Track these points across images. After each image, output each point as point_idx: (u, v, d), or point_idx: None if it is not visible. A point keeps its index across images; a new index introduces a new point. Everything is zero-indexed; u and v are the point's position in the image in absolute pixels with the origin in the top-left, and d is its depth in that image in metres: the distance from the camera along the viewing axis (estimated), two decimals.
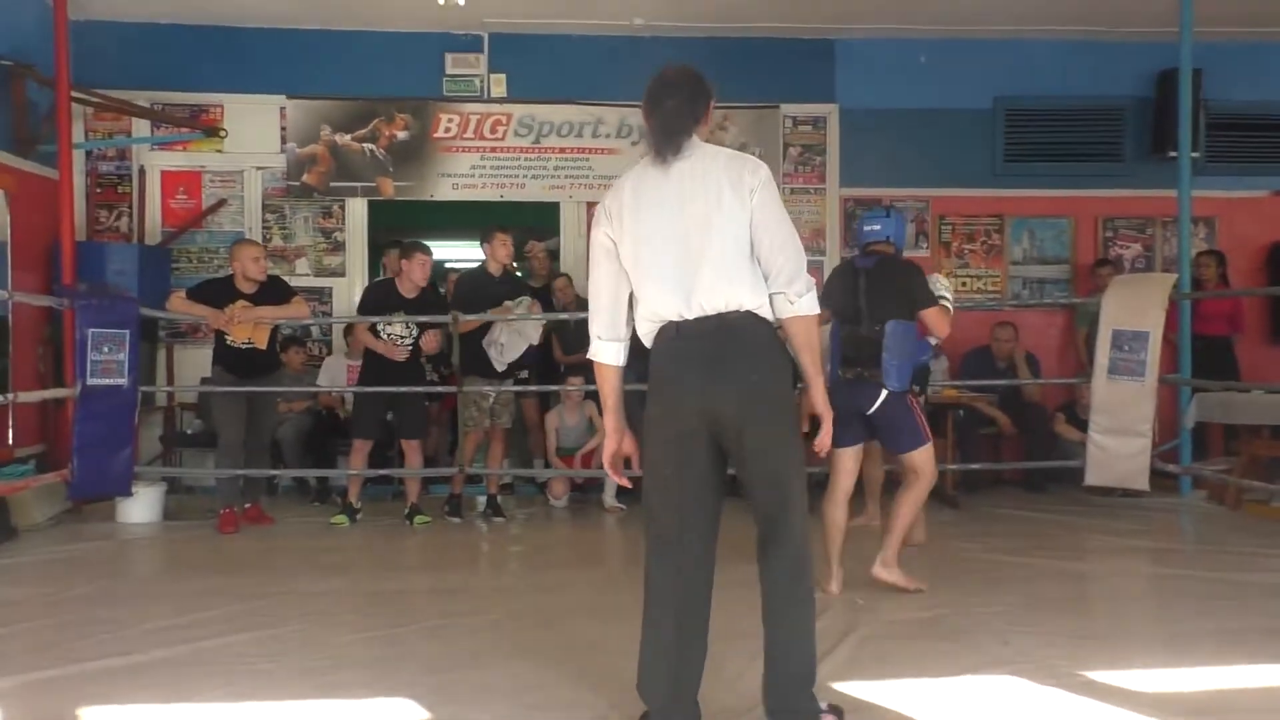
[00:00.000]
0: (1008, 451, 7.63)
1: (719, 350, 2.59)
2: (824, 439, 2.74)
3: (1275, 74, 8.23)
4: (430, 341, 6.34)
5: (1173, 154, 7.31)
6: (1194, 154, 7.17)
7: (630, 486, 2.90)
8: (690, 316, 2.60)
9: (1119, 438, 6.21)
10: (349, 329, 7.46)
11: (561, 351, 7.36)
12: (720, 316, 2.58)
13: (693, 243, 2.60)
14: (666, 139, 2.67)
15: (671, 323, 2.63)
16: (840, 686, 3.14)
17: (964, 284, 8.27)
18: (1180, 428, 6.86)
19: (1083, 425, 6.62)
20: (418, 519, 6.25)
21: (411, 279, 6.25)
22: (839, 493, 4.39)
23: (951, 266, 8.24)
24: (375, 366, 6.30)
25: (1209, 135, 8.14)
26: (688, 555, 2.64)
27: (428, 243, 6.47)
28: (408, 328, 6.28)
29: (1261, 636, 3.67)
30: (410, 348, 6.29)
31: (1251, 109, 8.29)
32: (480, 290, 6.46)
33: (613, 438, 2.75)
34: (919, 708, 2.96)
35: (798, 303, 2.61)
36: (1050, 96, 8.21)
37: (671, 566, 2.64)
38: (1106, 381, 6.28)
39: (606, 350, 2.73)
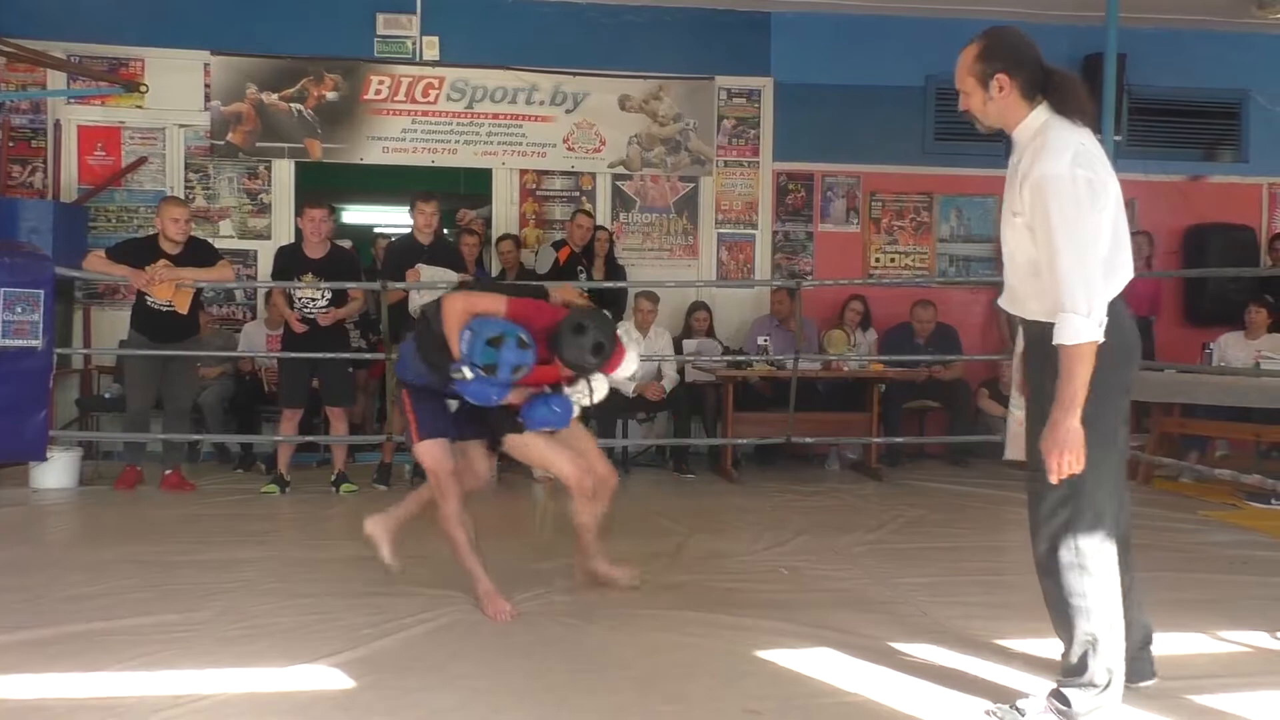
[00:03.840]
0: (931, 426, 7.79)
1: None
2: None
3: (1194, 62, 8.43)
4: (327, 318, 6.16)
5: (1096, 137, 7.46)
6: (1116, 137, 7.35)
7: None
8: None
9: None
10: (271, 297, 7.31)
11: None
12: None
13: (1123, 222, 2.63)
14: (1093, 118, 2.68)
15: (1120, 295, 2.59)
16: (764, 654, 3.19)
17: (892, 260, 8.40)
18: None
19: (1005, 401, 6.77)
20: (344, 487, 6.18)
21: (306, 236, 6.15)
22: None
23: (881, 243, 8.36)
24: (295, 335, 6.19)
25: (1130, 120, 8.34)
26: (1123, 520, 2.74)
27: (357, 206, 6.38)
28: (318, 290, 6.15)
29: (1168, 607, 3.78)
30: (322, 311, 6.16)
31: (1171, 95, 8.51)
32: (408, 258, 6.39)
33: (1079, 434, 2.47)
34: (842, 677, 3.02)
35: None
36: None
37: (1120, 536, 2.68)
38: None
39: (1100, 330, 2.45)
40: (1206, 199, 8.57)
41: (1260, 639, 3.44)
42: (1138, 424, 7.64)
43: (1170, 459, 6.54)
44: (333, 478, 6.25)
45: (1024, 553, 3.42)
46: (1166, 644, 3.36)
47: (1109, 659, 2.61)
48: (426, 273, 6.30)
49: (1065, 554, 2.62)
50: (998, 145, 8.40)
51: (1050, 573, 2.68)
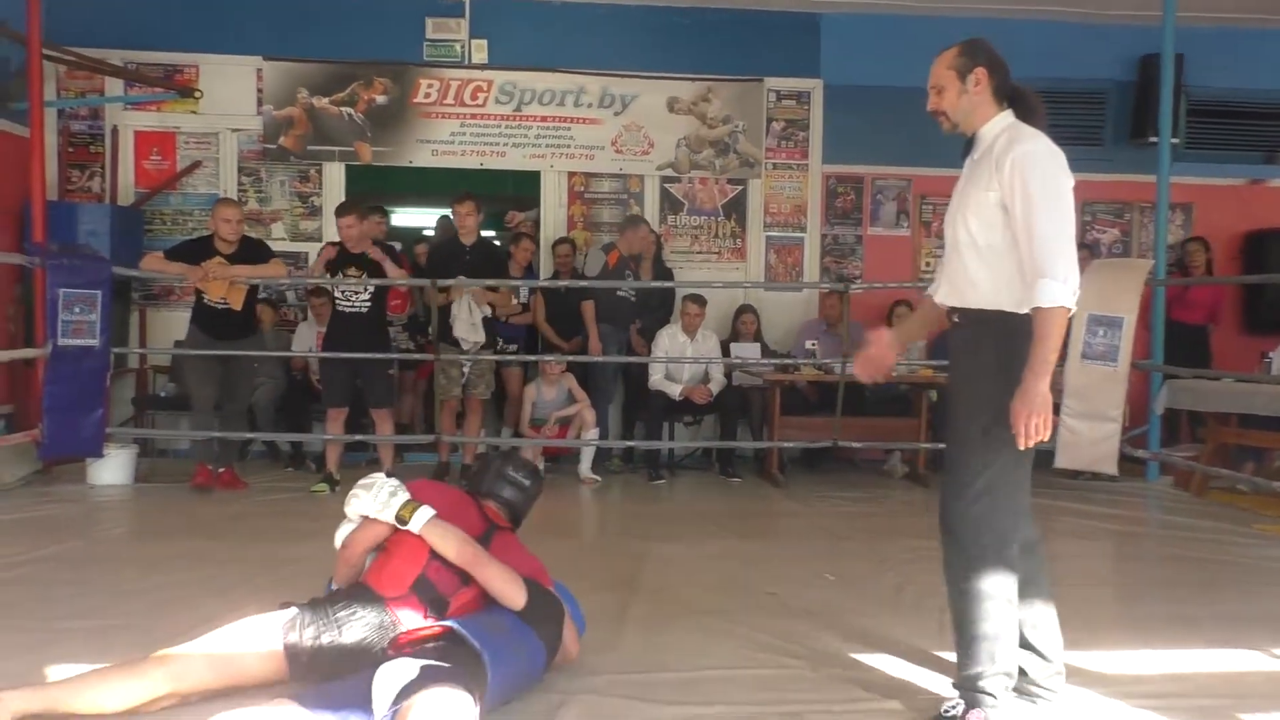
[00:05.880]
0: None
1: None
2: None
3: (1255, 61, 8.26)
4: (370, 250, 6.20)
5: (1153, 139, 7.34)
6: (1173, 140, 7.20)
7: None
8: None
9: (1090, 422, 6.26)
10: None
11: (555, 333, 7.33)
12: None
13: None
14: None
15: None
16: (807, 658, 3.17)
17: None
18: (1150, 413, 6.93)
19: (1057, 408, 6.67)
20: None
21: (342, 238, 6.22)
22: None
23: (931, 246, 8.28)
24: (336, 333, 6.27)
25: (1188, 121, 8.18)
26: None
27: (406, 209, 6.44)
28: (364, 285, 6.20)
29: (1219, 621, 3.73)
30: (364, 305, 6.22)
31: (1230, 96, 8.33)
32: (452, 258, 6.45)
33: (1049, 399, 2.50)
34: (885, 683, 3.00)
35: None
36: (1032, 78, 8.05)
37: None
38: (1080, 366, 6.32)
39: (1073, 299, 2.53)
40: (1267, 203, 8.38)
41: None
42: (1192, 434, 7.51)
43: (1226, 470, 6.40)
44: None
45: (1071, 562, 3.37)
46: (1219, 661, 3.31)
47: (1001, 660, 2.65)
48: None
49: (973, 546, 2.67)
50: None
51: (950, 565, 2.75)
